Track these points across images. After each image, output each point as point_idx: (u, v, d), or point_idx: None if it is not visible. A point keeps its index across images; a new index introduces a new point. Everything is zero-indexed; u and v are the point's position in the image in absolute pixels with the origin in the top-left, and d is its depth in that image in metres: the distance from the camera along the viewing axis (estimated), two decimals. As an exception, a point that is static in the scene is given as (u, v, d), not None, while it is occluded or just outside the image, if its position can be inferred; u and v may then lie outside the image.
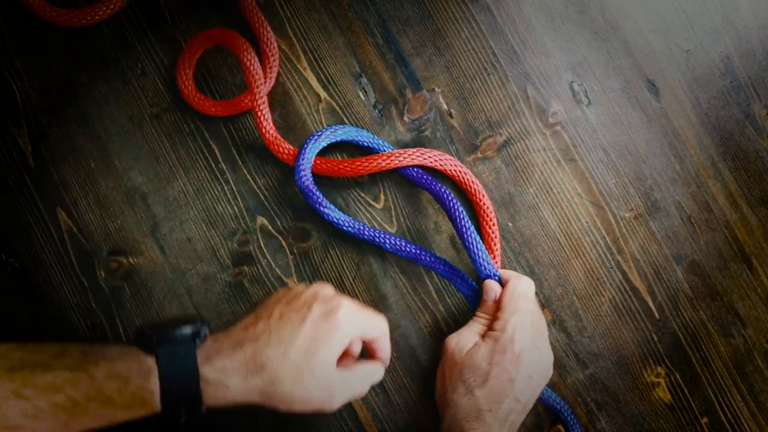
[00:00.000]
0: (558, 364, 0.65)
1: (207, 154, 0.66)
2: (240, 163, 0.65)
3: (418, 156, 0.62)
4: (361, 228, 0.62)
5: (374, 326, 0.55)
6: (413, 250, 0.62)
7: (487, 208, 0.63)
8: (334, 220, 0.62)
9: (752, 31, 0.67)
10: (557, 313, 0.65)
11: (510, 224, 0.66)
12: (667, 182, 0.66)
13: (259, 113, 0.62)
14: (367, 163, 0.62)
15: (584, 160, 0.66)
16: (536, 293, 0.65)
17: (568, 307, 0.65)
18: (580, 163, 0.66)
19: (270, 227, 0.65)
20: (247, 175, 0.65)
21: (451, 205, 0.61)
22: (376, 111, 0.66)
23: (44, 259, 0.64)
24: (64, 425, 0.46)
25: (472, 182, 0.64)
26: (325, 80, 0.66)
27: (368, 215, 0.65)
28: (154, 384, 0.47)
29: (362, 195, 0.65)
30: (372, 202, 0.65)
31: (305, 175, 0.62)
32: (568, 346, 0.65)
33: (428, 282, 0.65)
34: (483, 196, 0.64)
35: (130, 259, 0.64)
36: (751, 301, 0.66)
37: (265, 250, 0.65)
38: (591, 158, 0.66)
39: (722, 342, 0.66)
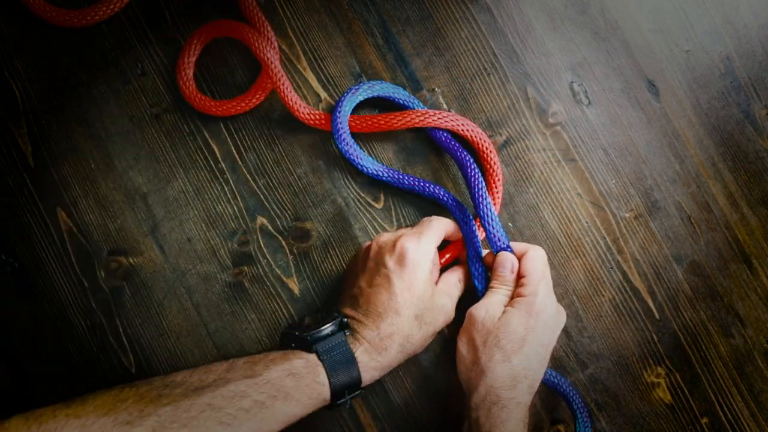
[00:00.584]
0: (558, 365, 0.65)
1: (207, 154, 0.66)
2: (240, 163, 0.65)
3: (451, 120, 0.63)
4: (400, 177, 0.63)
5: (439, 236, 0.60)
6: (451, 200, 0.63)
7: (498, 193, 0.64)
8: (373, 172, 0.63)
9: (752, 31, 0.67)
10: (557, 313, 0.65)
11: (510, 224, 0.66)
12: (667, 182, 0.66)
13: (281, 86, 0.62)
14: (402, 118, 0.62)
15: (584, 160, 0.66)
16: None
17: (568, 307, 0.65)
18: (580, 163, 0.66)
19: (270, 227, 0.65)
20: (247, 175, 0.65)
21: (472, 173, 0.62)
22: (376, 111, 0.66)
23: (44, 259, 0.64)
24: (256, 429, 0.51)
25: (494, 162, 0.63)
26: (325, 80, 0.66)
27: (368, 215, 0.65)
28: (323, 375, 0.53)
29: (362, 195, 0.65)
30: (372, 202, 0.65)
31: (342, 129, 0.63)
32: (568, 346, 0.65)
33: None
34: (498, 180, 0.64)
35: (130, 259, 0.64)
36: (751, 301, 0.66)
37: (265, 250, 0.65)
38: (591, 158, 0.66)
39: (722, 342, 0.66)
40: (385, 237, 0.60)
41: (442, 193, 0.63)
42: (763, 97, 0.67)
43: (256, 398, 0.51)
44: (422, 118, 0.62)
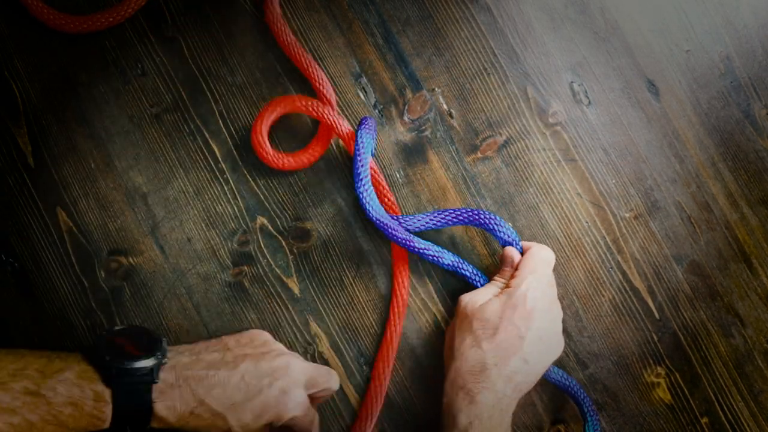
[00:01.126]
0: (558, 364, 0.65)
1: (207, 154, 0.66)
2: (240, 163, 0.65)
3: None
4: (411, 243, 0.62)
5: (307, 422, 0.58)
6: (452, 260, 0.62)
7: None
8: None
9: (752, 31, 0.67)
10: (557, 313, 0.65)
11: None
12: (667, 182, 0.66)
13: (345, 137, 0.63)
14: None
15: (584, 160, 0.66)
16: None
17: (568, 307, 0.65)
18: (580, 163, 0.66)
19: (270, 227, 0.65)
20: (247, 175, 0.65)
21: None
22: (376, 111, 0.66)
23: (44, 259, 0.64)
24: None
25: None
26: (325, 80, 0.66)
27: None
28: (107, 413, 0.50)
29: (362, 195, 0.65)
30: (372, 202, 0.65)
31: (364, 175, 0.62)
32: (568, 346, 0.65)
33: (428, 282, 0.65)
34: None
35: (130, 259, 0.64)
36: (751, 301, 0.66)
37: (265, 250, 0.65)
38: (591, 158, 0.66)
39: (722, 342, 0.66)
40: (296, 363, 0.57)
41: (457, 261, 0.63)
42: (763, 97, 0.67)
43: (27, 417, 0.47)
44: None
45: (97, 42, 0.65)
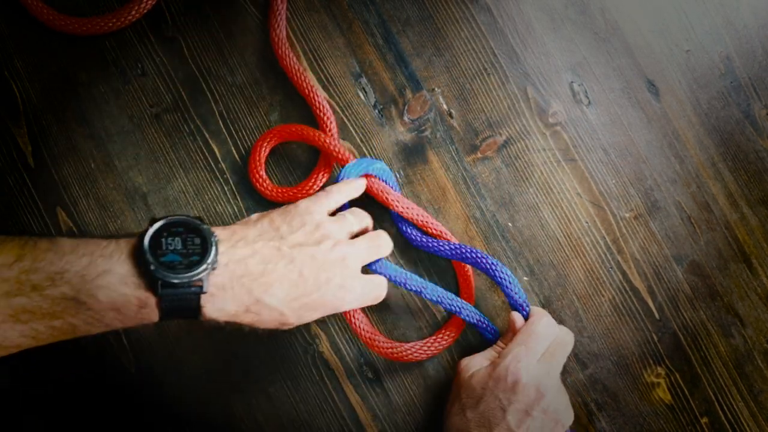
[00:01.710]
0: (558, 364, 0.65)
1: (207, 154, 0.66)
2: (240, 163, 0.65)
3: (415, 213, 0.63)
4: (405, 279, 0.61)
5: (368, 303, 0.58)
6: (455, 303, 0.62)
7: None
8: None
9: (752, 31, 0.67)
10: (557, 312, 0.65)
11: (510, 224, 0.66)
12: (667, 182, 0.66)
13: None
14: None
15: (584, 160, 0.66)
16: (536, 292, 0.65)
17: (568, 307, 0.65)
18: (580, 163, 0.66)
19: (270, 227, 0.65)
20: (248, 175, 0.65)
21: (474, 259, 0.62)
22: (376, 111, 0.66)
23: (44, 259, 0.64)
24: (63, 338, 0.46)
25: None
26: (325, 80, 0.66)
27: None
28: (153, 316, 0.47)
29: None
30: (372, 202, 0.65)
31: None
32: (568, 346, 0.65)
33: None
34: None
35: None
36: (751, 301, 0.66)
37: (265, 250, 0.65)
38: (591, 158, 0.66)
39: (722, 342, 0.66)
40: (353, 253, 0.56)
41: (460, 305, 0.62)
42: (763, 97, 0.67)
43: (70, 321, 0.45)
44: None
45: (97, 42, 0.65)
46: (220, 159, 0.65)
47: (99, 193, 0.65)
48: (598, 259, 0.66)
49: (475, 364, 0.60)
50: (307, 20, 0.66)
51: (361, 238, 0.58)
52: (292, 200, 0.62)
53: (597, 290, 0.65)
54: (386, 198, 0.62)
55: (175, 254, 0.47)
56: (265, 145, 0.64)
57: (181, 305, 0.47)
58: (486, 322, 0.62)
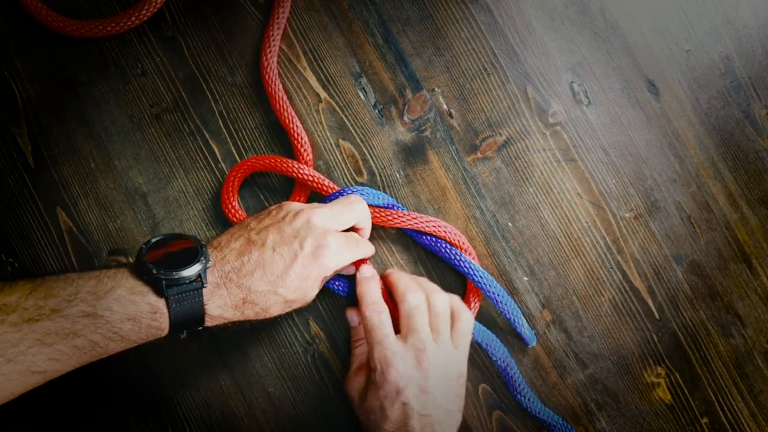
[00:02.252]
0: (558, 365, 0.65)
1: (207, 154, 0.66)
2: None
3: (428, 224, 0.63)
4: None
5: (355, 257, 0.58)
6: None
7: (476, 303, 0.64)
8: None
9: (752, 31, 0.67)
10: (557, 313, 0.65)
11: (510, 224, 0.66)
12: (667, 182, 0.66)
13: (323, 189, 0.63)
14: (388, 218, 0.62)
15: (584, 160, 0.66)
16: (536, 292, 0.65)
17: (568, 307, 0.65)
18: (580, 163, 0.66)
19: (270, 227, 0.65)
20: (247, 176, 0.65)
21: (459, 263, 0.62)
22: (376, 111, 0.66)
23: (44, 259, 0.64)
24: (85, 362, 0.50)
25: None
26: (325, 80, 0.66)
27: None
28: (165, 323, 0.51)
29: (362, 195, 0.65)
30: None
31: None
32: (568, 346, 0.65)
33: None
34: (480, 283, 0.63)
35: (130, 259, 0.64)
36: (751, 301, 0.66)
37: (265, 250, 0.65)
38: (591, 158, 0.66)
39: (722, 342, 0.66)
40: (321, 220, 0.56)
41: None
42: (763, 97, 0.67)
43: (91, 338, 0.48)
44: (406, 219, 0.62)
45: (97, 42, 0.65)
46: (220, 159, 0.65)
47: (99, 193, 0.65)
48: (598, 259, 0.66)
49: (355, 386, 0.59)
50: (307, 20, 0.66)
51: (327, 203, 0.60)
52: None
53: (597, 290, 0.65)
54: (390, 218, 0.62)
55: (170, 258, 0.52)
56: (238, 176, 0.64)
57: (187, 303, 0.51)
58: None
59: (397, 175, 0.66)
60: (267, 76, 0.64)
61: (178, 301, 0.50)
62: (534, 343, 0.63)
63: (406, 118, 0.66)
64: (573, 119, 0.66)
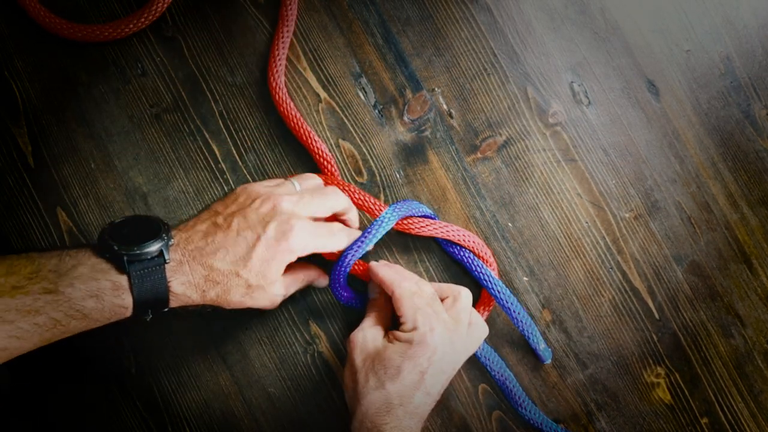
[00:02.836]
0: (558, 365, 0.65)
1: (207, 154, 0.66)
2: (240, 163, 0.65)
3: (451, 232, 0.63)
4: None
5: (326, 246, 0.58)
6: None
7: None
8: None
9: (752, 31, 0.67)
10: (557, 313, 0.65)
11: (510, 224, 0.66)
12: (667, 182, 0.66)
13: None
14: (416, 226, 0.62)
15: (584, 160, 0.66)
16: (536, 292, 0.65)
17: (568, 307, 0.65)
18: (580, 164, 0.66)
19: (270, 227, 0.65)
20: (247, 176, 0.65)
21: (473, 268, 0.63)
22: (376, 111, 0.66)
23: (44, 259, 0.64)
24: (47, 340, 0.50)
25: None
26: (325, 80, 0.66)
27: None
28: (128, 300, 0.51)
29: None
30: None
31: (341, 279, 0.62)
32: (568, 346, 0.65)
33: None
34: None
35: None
36: (751, 301, 0.66)
37: (265, 250, 0.65)
38: (591, 158, 0.66)
39: (722, 342, 0.66)
40: (288, 204, 0.56)
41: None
42: (763, 97, 0.67)
43: (52, 316, 0.48)
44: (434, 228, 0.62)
45: (97, 43, 0.65)
46: (220, 159, 0.65)
47: (99, 193, 0.65)
48: (598, 260, 0.66)
49: (370, 336, 0.58)
50: (307, 20, 0.66)
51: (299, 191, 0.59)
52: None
53: (597, 290, 0.65)
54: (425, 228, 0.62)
55: (132, 236, 0.52)
56: None
57: (150, 280, 0.51)
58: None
59: (397, 175, 0.66)
60: (277, 96, 0.64)
61: (140, 278, 0.50)
62: (549, 361, 0.64)
63: (406, 118, 0.66)
64: (573, 119, 0.66)
